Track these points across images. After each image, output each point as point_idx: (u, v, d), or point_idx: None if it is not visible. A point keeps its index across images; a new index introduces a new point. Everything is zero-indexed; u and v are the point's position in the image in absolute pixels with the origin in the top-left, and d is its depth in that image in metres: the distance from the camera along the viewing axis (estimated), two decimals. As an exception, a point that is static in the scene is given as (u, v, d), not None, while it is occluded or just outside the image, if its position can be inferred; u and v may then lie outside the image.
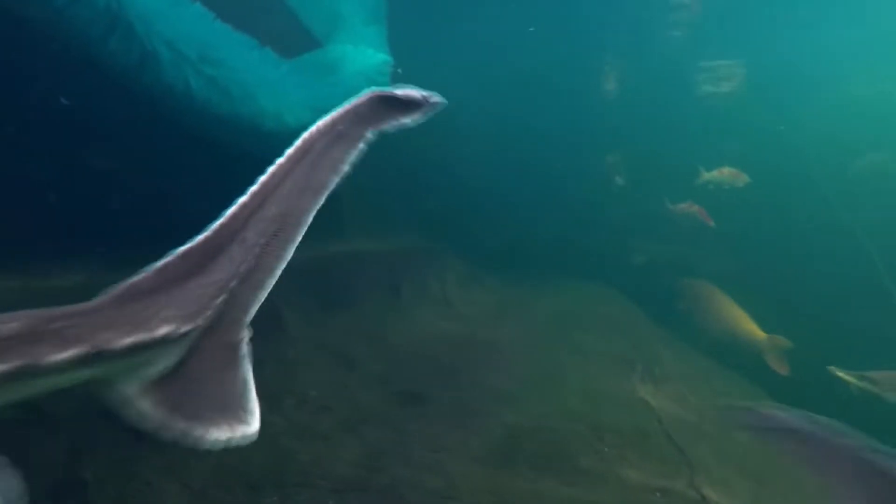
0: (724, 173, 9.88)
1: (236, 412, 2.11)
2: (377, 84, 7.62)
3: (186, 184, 4.63)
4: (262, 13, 6.73)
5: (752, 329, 7.84)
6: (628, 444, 4.14)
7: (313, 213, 2.57)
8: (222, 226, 2.29)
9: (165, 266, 2.14)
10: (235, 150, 5.45)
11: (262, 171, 2.52)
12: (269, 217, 2.40)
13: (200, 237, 2.23)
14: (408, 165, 9.65)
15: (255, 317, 2.34)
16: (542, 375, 5.38)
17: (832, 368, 6.75)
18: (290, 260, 2.35)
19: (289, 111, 5.45)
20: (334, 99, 6.42)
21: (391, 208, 8.98)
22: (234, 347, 2.24)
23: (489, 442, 3.94)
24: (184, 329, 2.07)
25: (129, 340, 1.90)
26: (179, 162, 4.86)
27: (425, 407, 4.37)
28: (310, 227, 6.25)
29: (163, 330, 2.00)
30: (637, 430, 4.38)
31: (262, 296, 2.36)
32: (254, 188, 2.43)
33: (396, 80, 7.77)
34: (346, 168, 2.67)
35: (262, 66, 5.11)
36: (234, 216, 2.33)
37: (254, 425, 2.09)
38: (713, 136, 11.19)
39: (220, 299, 2.20)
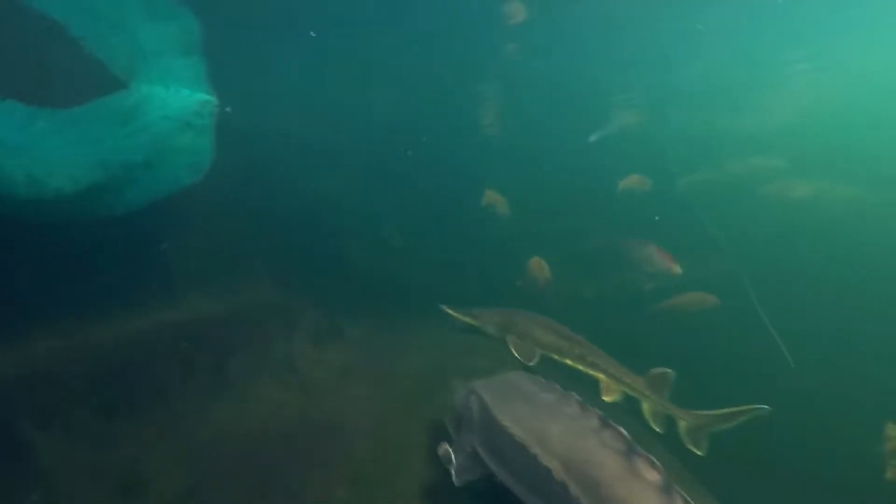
0: (633, 181, 10.47)
1: None
2: (194, 129, 6.65)
3: None
4: (47, 50, 5.67)
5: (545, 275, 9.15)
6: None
7: None
8: None
9: None
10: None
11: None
12: None
13: None
14: (261, 206, 8.76)
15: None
16: (380, 466, 4.68)
17: (443, 307, 7.50)
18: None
19: (54, 174, 4.49)
20: (131, 151, 5.50)
21: (239, 258, 8.03)
22: None
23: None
24: None
25: None
26: None
27: (221, 543, 3.57)
28: (110, 300, 5.07)
29: None
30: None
31: None
32: None
33: (225, 120, 6.89)
34: None
35: (-4, 127, 4.13)
36: None
37: None
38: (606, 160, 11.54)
39: None
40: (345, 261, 9.68)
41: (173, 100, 6.15)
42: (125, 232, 6.01)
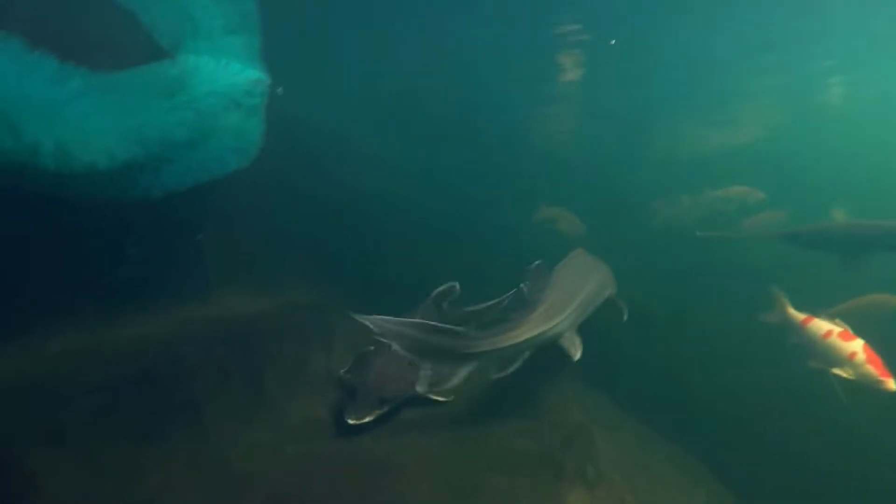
0: (731, 192, 9.79)
1: None
2: (244, 108, 5.90)
3: None
4: (83, 12, 5.02)
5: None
6: None
7: None
8: None
9: None
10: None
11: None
12: None
13: None
14: (308, 201, 8.06)
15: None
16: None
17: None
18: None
19: (88, 145, 3.83)
20: (174, 127, 4.82)
21: (280, 255, 7.36)
22: None
23: None
24: None
25: None
26: None
27: None
28: (136, 294, 4.24)
29: None
30: None
31: None
32: None
33: (276, 101, 6.22)
34: None
35: (24, 82, 3.47)
36: None
37: None
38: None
39: None
40: (392, 267, 8.94)
41: (222, 75, 5.49)
42: (159, 217, 5.38)
